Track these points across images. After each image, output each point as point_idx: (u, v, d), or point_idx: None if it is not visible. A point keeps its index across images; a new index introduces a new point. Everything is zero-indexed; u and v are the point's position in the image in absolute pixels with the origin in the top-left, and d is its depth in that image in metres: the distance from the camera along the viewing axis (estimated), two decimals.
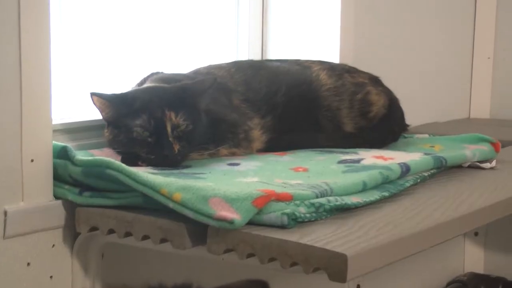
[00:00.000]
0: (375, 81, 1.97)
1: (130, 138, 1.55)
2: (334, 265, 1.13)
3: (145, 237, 1.34)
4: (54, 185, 1.45)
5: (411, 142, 1.98)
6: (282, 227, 1.24)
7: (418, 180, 1.61)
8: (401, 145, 1.92)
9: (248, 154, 1.71)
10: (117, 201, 1.39)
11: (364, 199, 1.40)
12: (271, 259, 1.20)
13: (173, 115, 1.56)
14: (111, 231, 1.38)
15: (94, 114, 1.65)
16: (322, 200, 1.32)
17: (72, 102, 1.80)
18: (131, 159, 1.54)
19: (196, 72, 1.84)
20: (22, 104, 1.38)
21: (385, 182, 1.51)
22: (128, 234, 1.36)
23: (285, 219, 1.24)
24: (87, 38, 1.87)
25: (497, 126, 2.63)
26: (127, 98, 1.59)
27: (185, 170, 1.52)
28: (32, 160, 1.40)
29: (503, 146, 1.91)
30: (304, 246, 1.16)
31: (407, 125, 2.01)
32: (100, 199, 1.40)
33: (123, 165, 1.37)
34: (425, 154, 1.71)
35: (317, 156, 1.70)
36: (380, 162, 1.61)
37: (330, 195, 1.36)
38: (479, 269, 2.81)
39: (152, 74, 1.77)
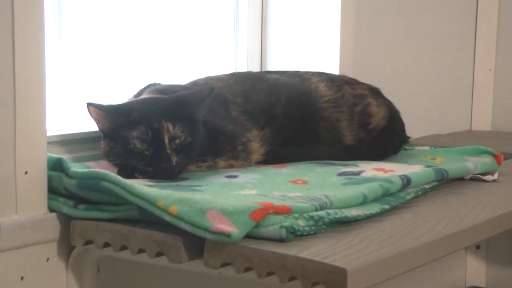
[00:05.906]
0: (375, 92, 1.95)
1: (127, 149, 1.53)
2: (334, 279, 1.10)
3: (141, 251, 1.32)
4: (49, 198, 1.42)
5: (412, 154, 1.96)
6: (280, 240, 1.22)
7: (419, 193, 1.58)
8: (401, 157, 1.90)
9: (247, 166, 1.69)
10: (112, 214, 1.37)
11: (364, 212, 1.38)
12: (269, 273, 1.18)
13: (170, 127, 1.54)
14: (106, 244, 1.36)
15: (90, 125, 1.63)
16: (322, 213, 1.30)
17: (67, 113, 1.79)
18: (128, 171, 1.52)
19: (194, 84, 1.83)
20: (16, 115, 1.36)
21: (386, 194, 1.48)
22: (123, 248, 1.34)
23: (283, 233, 1.21)
24: (84, 49, 1.85)
25: (499, 138, 2.62)
26: (124, 109, 1.57)
27: (182, 183, 1.50)
28: (26, 172, 1.38)
29: (505, 159, 1.88)
30: (303, 260, 1.14)
31: (408, 137, 1.99)
32: (95, 211, 1.38)
33: (119, 177, 1.34)
34: (426, 166, 1.69)
35: (316, 168, 1.68)
36: (380, 174, 1.59)
37: (330, 208, 1.34)
38: (481, 283, 2.79)
39: (149, 85, 1.75)
